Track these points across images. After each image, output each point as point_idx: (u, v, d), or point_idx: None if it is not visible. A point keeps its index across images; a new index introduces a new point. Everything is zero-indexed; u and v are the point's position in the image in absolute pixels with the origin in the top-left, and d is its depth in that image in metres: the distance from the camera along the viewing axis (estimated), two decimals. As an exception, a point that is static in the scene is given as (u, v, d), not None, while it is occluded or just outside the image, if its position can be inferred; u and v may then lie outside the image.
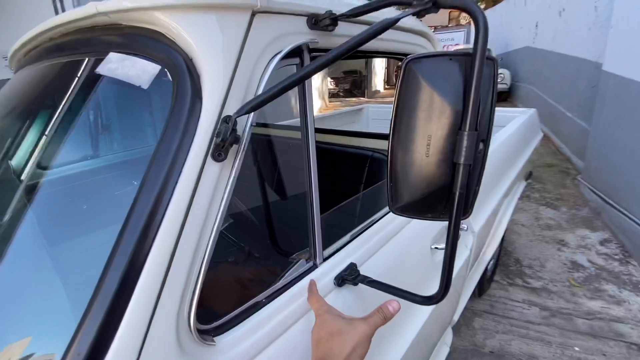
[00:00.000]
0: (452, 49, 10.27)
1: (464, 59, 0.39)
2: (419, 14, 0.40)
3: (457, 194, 0.40)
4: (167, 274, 0.36)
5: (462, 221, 0.88)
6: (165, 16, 0.40)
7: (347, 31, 0.55)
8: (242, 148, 0.42)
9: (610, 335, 1.85)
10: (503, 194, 1.48)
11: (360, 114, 3.14)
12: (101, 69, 0.45)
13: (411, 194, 0.44)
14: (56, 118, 0.53)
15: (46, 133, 0.52)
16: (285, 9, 0.47)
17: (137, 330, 0.34)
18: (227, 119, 0.40)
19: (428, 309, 0.78)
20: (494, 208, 1.34)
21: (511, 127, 1.90)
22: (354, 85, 14.69)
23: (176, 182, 0.37)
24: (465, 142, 0.38)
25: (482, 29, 0.36)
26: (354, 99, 13.11)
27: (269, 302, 0.48)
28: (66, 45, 0.54)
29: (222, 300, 0.48)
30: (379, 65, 14.62)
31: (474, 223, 1.13)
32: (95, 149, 0.52)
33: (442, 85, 0.40)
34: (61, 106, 0.53)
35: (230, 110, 0.42)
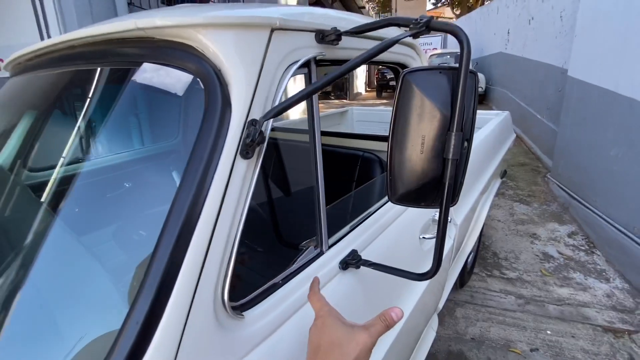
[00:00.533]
0: (430, 53, 10.66)
1: (451, 72, 0.47)
2: (414, 35, 0.48)
3: (447, 184, 0.48)
4: (206, 256, 0.42)
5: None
6: (197, 33, 0.46)
7: (351, 44, 0.63)
8: (264, 147, 0.49)
9: (579, 318, 2.01)
10: (481, 191, 1.60)
11: (345, 116, 3.23)
12: (138, 77, 0.50)
13: (407, 185, 0.51)
14: (95, 118, 0.57)
15: (86, 135, 0.56)
16: (298, 27, 0.54)
17: (183, 305, 0.40)
18: (254, 122, 0.46)
19: (415, 297, 0.86)
20: (473, 203, 1.46)
21: (487, 128, 2.05)
22: (336, 88, 14.87)
23: (213, 177, 0.43)
24: (453, 141, 0.47)
25: (466, 49, 0.44)
26: (336, 101, 13.27)
27: (284, 284, 0.55)
28: (89, 53, 0.59)
29: (247, 281, 0.54)
30: (361, 69, 14.88)
31: (456, 216, 1.24)
32: (129, 146, 0.57)
33: (433, 94, 0.48)
34: (86, 110, 0.57)
35: (254, 114, 0.48)
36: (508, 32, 6.64)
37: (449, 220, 1.01)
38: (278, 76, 0.52)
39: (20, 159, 0.78)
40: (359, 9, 14.82)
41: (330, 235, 0.68)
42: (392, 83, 11.98)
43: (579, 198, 3.02)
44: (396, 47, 0.89)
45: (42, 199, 0.61)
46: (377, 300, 0.71)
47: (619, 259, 2.42)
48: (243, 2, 5.15)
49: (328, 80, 0.49)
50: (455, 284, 2.18)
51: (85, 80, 0.61)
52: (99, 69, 0.59)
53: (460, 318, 2.08)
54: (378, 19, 0.52)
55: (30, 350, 0.46)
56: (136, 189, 0.60)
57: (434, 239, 0.96)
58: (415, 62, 0.98)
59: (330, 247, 0.65)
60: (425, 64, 1.00)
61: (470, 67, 0.47)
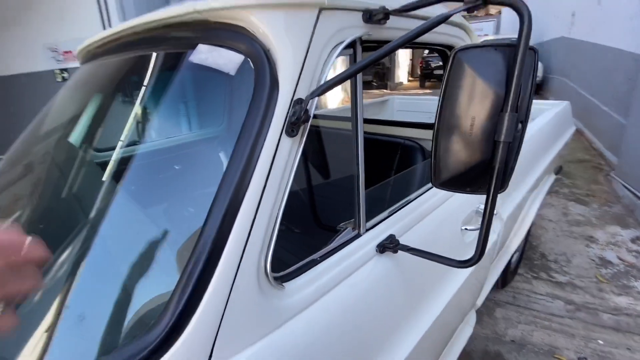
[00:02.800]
0: (483, 39, 9.96)
1: (507, 49, 0.44)
2: (469, 10, 0.45)
3: (496, 168, 0.46)
4: (252, 226, 0.45)
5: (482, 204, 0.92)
6: (248, 13, 0.48)
7: (398, 24, 0.61)
8: (308, 126, 0.50)
9: (637, 330, 1.83)
10: (531, 186, 1.50)
11: (385, 105, 3.16)
12: (193, 58, 0.53)
13: (453, 169, 0.50)
14: (153, 101, 0.63)
15: (150, 112, 0.62)
16: (346, 5, 0.53)
17: (230, 270, 0.43)
18: (299, 101, 0.47)
19: (452, 289, 0.84)
20: (521, 199, 1.37)
21: (542, 119, 1.89)
22: (377, 77, 14.50)
23: (259, 154, 0.45)
24: (506, 122, 0.44)
25: (526, 23, 0.41)
26: (376, 91, 12.97)
27: (322, 261, 0.56)
28: (153, 38, 0.63)
29: (288, 257, 0.56)
30: (403, 58, 14.35)
31: (502, 210, 1.17)
32: (186, 126, 0.61)
33: (486, 73, 0.45)
34: (148, 93, 0.62)
35: (300, 93, 0.49)
36: (573, 15, 5.99)
37: (495, 212, 0.96)
38: (324, 56, 0.52)
39: (88, 138, 0.87)
40: (404, -5, 14.19)
41: (369, 219, 0.68)
42: (437, 72, 11.39)
43: (648, 200, 2.70)
44: (445, 28, 0.85)
45: (107, 174, 0.68)
46: (412, 287, 0.70)
47: (694, 270, 2.15)
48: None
49: (372, 60, 0.48)
50: (496, 283, 2.08)
51: (146, 65, 0.66)
52: (159, 54, 0.64)
53: (500, 318, 1.98)
54: (426, -4, 0.50)
55: (100, 304, 0.52)
56: (192, 165, 0.65)
57: (477, 231, 0.93)
58: (464, 44, 0.93)
59: (368, 230, 0.66)
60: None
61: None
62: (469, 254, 0.94)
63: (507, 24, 14.50)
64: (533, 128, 1.70)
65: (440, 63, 11.43)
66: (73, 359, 0.45)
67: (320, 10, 0.51)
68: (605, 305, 2.03)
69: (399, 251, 0.64)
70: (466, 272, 0.86)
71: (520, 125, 0.47)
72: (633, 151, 3.03)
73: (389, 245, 0.64)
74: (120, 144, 0.72)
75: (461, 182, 0.51)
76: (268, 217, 0.47)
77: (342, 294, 0.57)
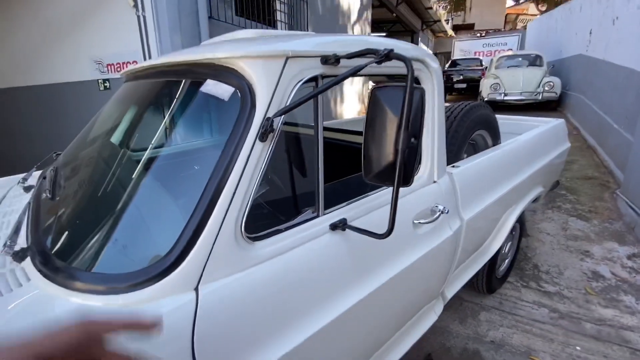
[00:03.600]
0: (502, 54, 9.97)
1: (403, 88, 0.67)
2: (378, 62, 0.69)
3: (397, 167, 0.68)
4: (232, 199, 0.69)
5: (440, 204, 1.13)
6: (239, 61, 0.73)
7: (349, 64, 0.85)
8: (275, 134, 0.74)
9: (616, 340, 1.91)
10: (504, 195, 1.66)
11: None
12: (203, 89, 0.79)
13: (375, 168, 0.72)
14: (167, 116, 0.90)
15: (163, 123, 0.89)
16: (307, 54, 0.78)
17: (215, 226, 0.67)
18: (268, 119, 0.72)
19: (405, 262, 1.04)
20: (490, 204, 1.54)
21: (526, 135, 2.05)
22: (394, 89, 14.60)
23: (241, 150, 0.69)
24: (402, 136, 0.66)
25: (410, 71, 0.63)
26: (394, 103, 13.06)
27: (285, 230, 0.80)
28: (177, 71, 0.91)
29: (260, 225, 0.80)
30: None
31: (463, 212, 1.36)
32: (195, 135, 0.87)
33: (391, 103, 0.68)
34: (168, 109, 0.89)
35: (270, 113, 0.73)
36: (590, 32, 6.00)
37: (446, 211, 1.15)
38: (290, 88, 0.76)
39: (125, 140, 1.15)
40: (425, 10, 14.43)
41: (328, 207, 0.91)
42: (457, 85, 11.43)
43: (646, 218, 2.74)
44: (399, 63, 1.08)
45: (138, 167, 0.94)
46: (358, 260, 0.92)
47: (682, 287, 2.19)
48: (308, 30, 5.54)
49: (319, 91, 0.72)
50: (482, 288, 2.21)
51: (169, 89, 0.93)
52: (180, 81, 0.90)
53: (483, 321, 2.11)
54: (359, 50, 0.74)
55: (135, 238, 0.77)
56: (195, 159, 0.91)
57: (428, 224, 1.13)
58: (425, 75, 1.14)
59: (325, 214, 0.88)
60: (434, 77, 1.16)
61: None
62: (421, 243, 1.14)
63: (531, 39, 14.35)
64: (512, 143, 1.87)
65: (461, 77, 11.26)
66: (117, 263, 0.69)
67: (287, 58, 0.75)
68: (590, 316, 2.11)
69: (346, 230, 0.86)
70: (413, 257, 1.06)
71: (413, 139, 0.69)
72: (637, 168, 3.07)
73: (339, 224, 0.86)
74: (150, 145, 0.99)
75: (381, 177, 0.73)
76: (244, 193, 0.70)
77: (297, 255, 0.80)
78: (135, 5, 3.30)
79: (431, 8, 14.26)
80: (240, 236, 0.71)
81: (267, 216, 0.91)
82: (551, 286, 2.40)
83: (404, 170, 0.68)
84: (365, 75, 0.99)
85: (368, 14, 8.55)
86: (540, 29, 12.22)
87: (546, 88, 7.50)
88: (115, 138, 1.13)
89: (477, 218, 1.44)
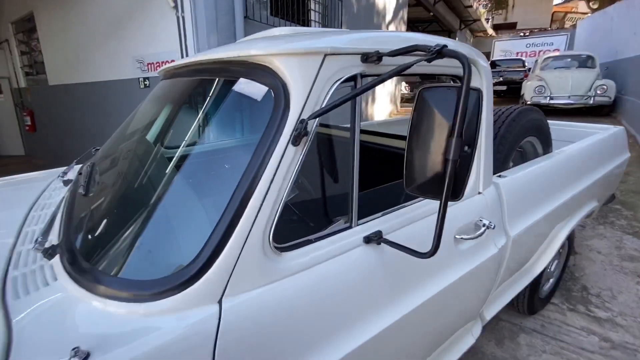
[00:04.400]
0: (549, 54, 9.31)
1: (457, 88, 0.59)
2: (428, 60, 0.60)
3: (447, 180, 0.60)
4: (260, 207, 0.64)
5: (485, 218, 1.03)
6: (273, 59, 0.68)
7: (392, 62, 0.78)
8: (309, 138, 0.68)
9: (681, 380, 1.67)
10: (555, 209, 1.50)
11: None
12: (236, 88, 0.75)
13: (419, 179, 0.64)
14: (200, 115, 0.87)
15: (196, 120, 0.86)
16: (346, 51, 0.71)
17: (242, 236, 0.62)
18: (302, 121, 0.66)
19: (444, 282, 0.95)
20: (540, 220, 1.39)
21: (581, 143, 1.85)
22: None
23: (272, 154, 0.64)
24: (453, 145, 0.58)
25: (467, 71, 0.55)
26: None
27: (316, 241, 0.74)
28: (211, 69, 0.88)
29: (289, 235, 0.74)
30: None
31: (510, 227, 1.23)
32: (229, 135, 0.83)
33: (441, 106, 0.60)
34: (202, 107, 0.86)
35: (305, 115, 0.68)
36: (654, 31, 5.42)
37: (492, 226, 1.04)
38: (327, 88, 0.70)
39: (160, 137, 1.15)
40: (465, 8, 13.86)
41: (363, 216, 0.84)
42: (496, 88, 10.86)
43: None
44: (450, 62, 0.98)
45: (170, 165, 0.92)
46: (394, 277, 0.83)
47: None
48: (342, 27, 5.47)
49: (359, 91, 0.65)
50: (522, 308, 2.03)
51: (204, 87, 0.90)
52: (213, 80, 0.87)
53: (523, 344, 1.94)
54: (407, 46, 0.66)
55: (160, 244, 0.75)
56: (226, 161, 0.87)
57: (472, 240, 1.03)
58: (474, 75, 1.04)
59: (359, 224, 0.81)
60: (484, 77, 1.05)
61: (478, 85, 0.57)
62: (462, 260, 1.04)
63: (581, 39, 13.33)
64: (565, 151, 1.69)
65: (501, 78, 10.75)
66: (147, 265, 0.67)
67: (325, 55, 0.69)
68: (648, 348, 1.87)
69: (382, 243, 0.78)
70: (454, 276, 0.96)
71: (467, 148, 0.60)
72: None
73: (374, 237, 0.79)
74: (182, 143, 0.97)
75: (425, 189, 0.65)
76: (273, 201, 0.65)
77: (327, 269, 0.73)
78: (175, 7, 3.40)
79: (471, 6, 13.68)
80: (268, 246, 0.66)
81: (297, 224, 0.86)
82: (602, 311, 2.16)
83: (454, 182, 0.60)
84: (409, 75, 0.91)
85: (404, 13, 8.32)
86: (593, 28, 11.31)
87: (598, 92, 6.89)
88: (150, 135, 1.13)
89: (525, 234, 1.31)
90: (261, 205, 0.64)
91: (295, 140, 0.66)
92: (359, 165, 0.79)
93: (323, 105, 0.69)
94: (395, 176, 1.26)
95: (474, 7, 14.55)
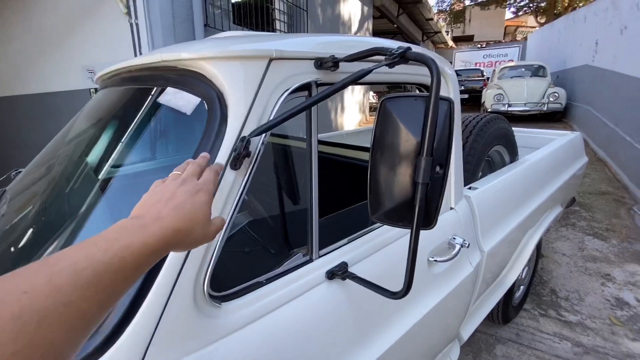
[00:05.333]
0: (504, 65, 9.87)
1: (424, 99, 0.49)
2: (389, 65, 0.51)
3: (417, 207, 0.50)
4: (188, 253, 0.50)
5: (460, 238, 0.94)
6: (207, 63, 0.56)
7: (349, 69, 0.68)
8: (253, 160, 0.56)
9: (651, 381, 1.69)
10: (526, 218, 1.47)
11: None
12: (161, 99, 0.61)
13: (385, 205, 0.54)
14: (128, 128, 0.72)
15: (120, 138, 0.71)
16: (296, 56, 0.60)
17: (166, 288, 0.48)
18: (243, 139, 0.54)
19: (421, 311, 0.85)
20: (512, 231, 1.35)
21: (545, 149, 1.87)
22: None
23: (203, 182, 0.51)
24: (423, 165, 0.48)
25: (435, 77, 0.46)
26: (395, 113, 12.97)
27: (267, 283, 0.61)
28: (139, 77, 0.73)
29: (232, 277, 0.61)
30: (424, 81, 14.40)
31: (483, 242, 1.17)
32: (152, 153, 0.69)
33: (408, 120, 0.50)
34: (133, 120, 0.71)
35: (247, 131, 0.56)
36: (596, 43, 5.88)
37: (466, 245, 0.97)
38: (274, 99, 0.59)
39: (83, 159, 0.97)
40: (426, 21, 14.48)
41: (324, 245, 0.72)
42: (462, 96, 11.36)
43: (671, 238, 2.53)
44: (416, 69, 0.91)
45: (79, 198, 0.75)
46: (363, 315, 0.72)
47: None
48: (307, 31, 5.45)
49: (312, 102, 0.54)
50: (497, 318, 2.00)
51: (131, 98, 0.76)
52: (140, 89, 0.73)
53: (499, 356, 1.89)
54: (366, 49, 0.56)
55: None
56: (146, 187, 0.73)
57: (446, 262, 0.94)
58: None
59: (320, 256, 0.70)
60: (449, 85, 0.99)
61: (446, 94, 0.48)
62: (436, 284, 0.95)
63: (532, 50, 14.35)
64: (531, 159, 1.69)
65: (463, 87, 11.28)
66: None
67: (271, 60, 0.58)
68: (617, 350, 1.89)
69: (347, 279, 0.67)
70: (429, 303, 0.87)
71: (438, 168, 0.51)
72: (656, 186, 2.88)
73: (338, 272, 0.67)
74: (102, 168, 0.80)
75: (393, 217, 0.54)
76: (208, 241, 0.52)
77: (284, 315, 0.61)
78: (128, 13, 3.18)
79: (432, 19, 14.32)
80: (203, 298, 0.52)
81: (242, 262, 0.72)
82: (572, 315, 2.18)
83: (425, 209, 0.50)
84: (371, 84, 0.81)
85: (369, 25, 8.50)
86: (542, 40, 12.19)
87: (551, 99, 7.35)
88: (73, 158, 0.95)
89: (498, 247, 1.25)
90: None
91: (235, 162, 0.53)
92: (317, 186, 0.67)
93: (270, 119, 0.58)
94: (363, 193, 1.16)
95: (435, 19, 15.25)
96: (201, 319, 0.51)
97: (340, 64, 0.63)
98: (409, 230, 0.52)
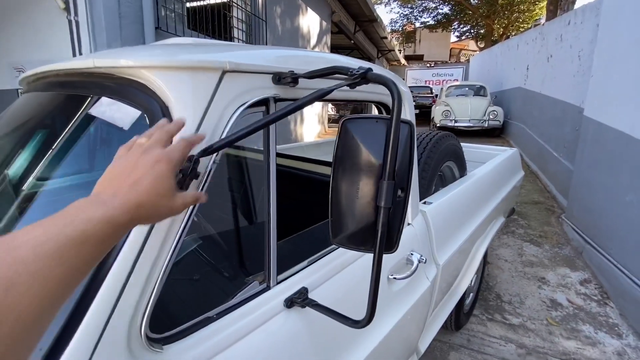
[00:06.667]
0: (450, 84, 10.71)
1: (386, 121, 0.48)
2: (350, 86, 0.49)
3: (379, 231, 0.48)
4: (124, 286, 0.43)
5: (417, 253, 0.94)
6: (149, 73, 0.50)
7: (309, 85, 0.65)
8: (203, 182, 0.50)
9: (583, 377, 1.86)
10: (475, 229, 1.55)
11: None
12: (94, 110, 0.53)
13: (346, 228, 0.51)
14: (55, 140, 0.62)
15: (46, 149, 0.60)
16: (252, 69, 0.56)
17: (94, 330, 0.41)
18: (190, 158, 0.48)
19: (381, 333, 0.83)
20: (463, 242, 1.41)
21: (489, 164, 2.01)
22: (355, 111, 15.10)
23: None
24: (385, 189, 0.47)
25: (396, 100, 0.45)
26: (353, 125, 13.36)
27: (219, 318, 0.55)
28: (69, 83, 0.64)
29: (177, 312, 0.54)
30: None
31: (438, 256, 1.20)
32: (81, 166, 0.60)
33: (369, 142, 0.48)
34: (60, 130, 0.61)
35: (196, 150, 0.50)
36: (527, 68, 6.62)
37: (423, 260, 0.98)
38: (227, 115, 0.54)
39: (12, 165, 0.83)
40: (381, 39, 15.23)
41: (282, 270, 0.67)
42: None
43: (593, 243, 2.86)
44: (375, 88, 0.91)
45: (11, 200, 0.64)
46: (325, 342, 0.69)
47: (633, 314, 2.25)
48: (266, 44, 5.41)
49: (270, 120, 0.50)
50: (450, 325, 2.08)
51: (64, 105, 0.66)
52: (73, 96, 0.64)
53: (453, 363, 1.96)
54: (326, 67, 0.54)
55: None
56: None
57: (405, 279, 0.94)
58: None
59: (279, 282, 0.65)
60: (406, 105, 1.01)
61: (406, 117, 0.47)
62: (396, 303, 0.94)
63: (474, 71, 15.73)
64: (478, 173, 1.80)
65: (414, 103, 12.15)
66: None
67: (224, 72, 0.53)
68: (555, 350, 2.06)
69: (306, 307, 0.63)
70: (390, 322, 0.86)
71: (400, 192, 0.49)
72: (579, 196, 3.25)
73: (297, 299, 0.63)
74: (34, 174, 0.69)
75: (354, 240, 0.52)
76: (147, 273, 0.45)
77: (239, 353, 0.55)
78: (67, 9, 2.89)
79: (386, 38, 15.09)
80: (140, 342, 0.45)
81: (188, 294, 0.65)
82: (515, 317, 2.34)
83: (387, 233, 0.48)
84: (327, 101, 0.80)
85: (327, 39, 8.71)
86: (482, 63, 13.44)
87: (491, 116, 8.09)
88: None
89: (452, 259, 1.30)
90: (127, 278, 0.43)
91: (181, 184, 0.47)
92: (276, 208, 0.63)
93: (222, 137, 0.53)
94: (324, 209, 1.13)
95: (389, 38, 16.10)
96: (137, 367, 0.44)
97: (300, 80, 0.61)
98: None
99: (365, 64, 0.71)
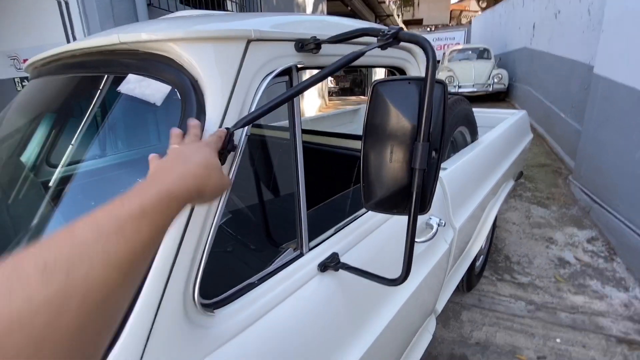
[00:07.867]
0: (452, 48, 10.33)
1: (419, 82, 0.47)
2: (382, 47, 0.48)
3: (414, 193, 0.49)
4: (176, 255, 0.45)
5: (437, 217, 0.96)
6: (176, 46, 0.49)
7: (332, 51, 0.64)
8: (238, 154, 0.51)
9: (591, 328, 1.94)
10: (487, 193, 1.57)
11: (357, 114, 3.22)
12: (122, 88, 0.53)
13: (379, 193, 0.52)
14: (79, 124, 0.62)
15: (72, 134, 0.61)
16: (276, 37, 0.55)
17: (153, 300, 0.43)
18: (226, 131, 0.48)
19: (400, 301, 0.87)
20: (477, 206, 1.43)
21: (499, 128, 1.99)
22: (354, 83, 14.77)
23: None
24: (419, 151, 0.47)
25: (431, 59, 0.44)
26: (354, 97, 13.17)
27: (260, 284, 0.57)
28: (87, 62, 0.63)
29: (222, 280, 0.57)
30: (379, 64, 14.64)
31: (455, 220, 1.22)
32: (111, 149, 0.61)
33: (401, 104, 0.48)
34: (84, 114, 0.62)
35: (229, 122, 0.50)
36: (533, 27, 6.36)
37: (443, 224, 1.00)
38: (255, 85, 0.54)
39: (32, 154, 0.84)
40: (379, 4, 14.57)
41: (313, 237, 0.70)
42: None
43: (600, 202, 2.88)
44: (393, 52, 0.89)
45: (46, 188, 0.66)
46: (357, 302, 0.72)
47: (640, 268, 2.31)
48: (261, 10, 5.19)
49: (299, 90, 0.50)
50: (462, 287, 2.16)
51: (83, 87, 0.65)
52: (94, 77, 0.63)
53: (465, 322, 2.05)
54: (353, 30, 0.53)
55: None
56: (117, 186, 0.65)
57: (427, 242, 0.96)
58: (412, 67, 0.97)
59: (311, 249, 0.67)
60: (422, 68, 0.99)
61: (439, 76, 0.47)
62: (418, 264, 0.98)
63: (476, 33, 15.15)
64: (489, 137, 1.79)
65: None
66: None
67: (249, 42, 0.52)
68: (563, 304, 2.14)
69: (339, 270, 0.66)
70: (412, 284, 0.90)
71: (434, 153, 0.50)
72: (587, 156, 3.23)
73: (330, 264, 0.66)
74: (61, 161, 0.70)
75: (387, 204, 0.53)
76: (195, 243, 0.47)
77: (280, 316, 0.58)
78: (55, -11, 2.77)
79: (384, 2, 14.43)
80: (193, 307, 0.48)
81: (226, 264, 0.68)
82: (524, 277, 2.42)
83: (421, 195, 0.50)
84: (340, 68, 0.78)
85: (323, 7, 8.35)
86: (485, 24, 12.91)
87: (495, 80, 7.88)
88: (15, 157, 0.81)
89: (467, 222, 1.32)
90: (178, 250, 0.45)
91: (219, 158, 0.48)
92: (304, 178, 0.64)
93: (253, 108, 0.53)
94: (342, 181, 1.14)
95: (387, 2, 15.39)
96: (194, 330, 0.47)
97: (322, 46, 0.60)
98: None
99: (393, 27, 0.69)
